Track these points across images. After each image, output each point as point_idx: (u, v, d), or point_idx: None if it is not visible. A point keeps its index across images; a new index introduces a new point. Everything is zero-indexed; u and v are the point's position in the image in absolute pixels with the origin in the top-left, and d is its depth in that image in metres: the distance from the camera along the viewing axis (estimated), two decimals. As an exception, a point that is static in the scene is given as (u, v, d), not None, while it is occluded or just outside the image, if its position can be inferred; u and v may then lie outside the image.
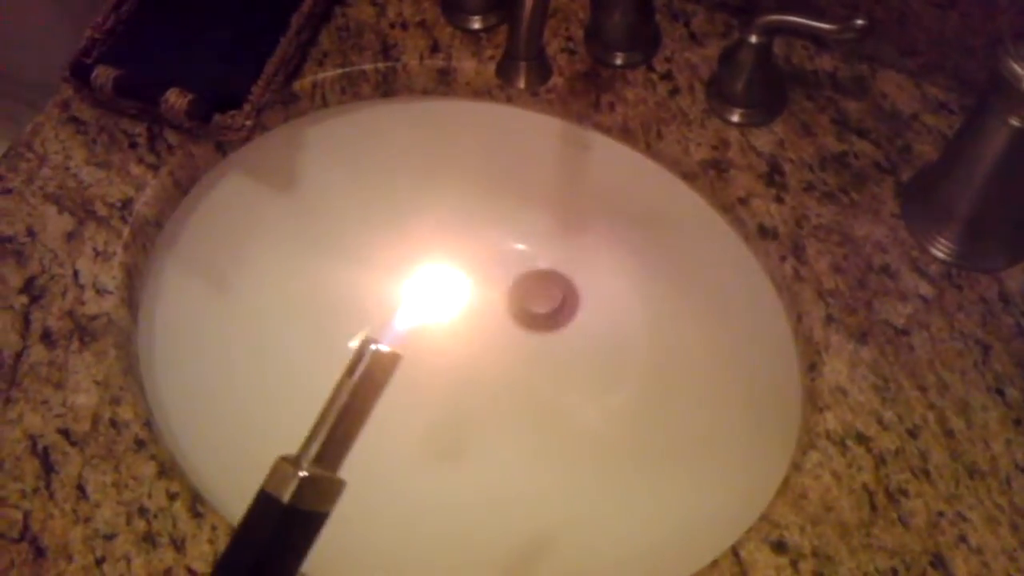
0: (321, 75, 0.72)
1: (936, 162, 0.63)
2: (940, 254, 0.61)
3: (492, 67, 0.70)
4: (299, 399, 0.71)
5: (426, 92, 0.73)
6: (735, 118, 0.67)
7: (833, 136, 0.66)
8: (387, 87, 0.73)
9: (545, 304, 0.78)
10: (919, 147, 0.65)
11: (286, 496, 0.36)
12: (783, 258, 0.62)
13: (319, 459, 0.36)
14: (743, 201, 0.65)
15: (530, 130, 0.73)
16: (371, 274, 0.76)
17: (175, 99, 0.66)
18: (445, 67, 0.72)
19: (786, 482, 0.56)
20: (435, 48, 0.72)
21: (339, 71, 0.72)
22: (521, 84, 0.57)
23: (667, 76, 0.70)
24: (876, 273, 0.61)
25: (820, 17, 0.61)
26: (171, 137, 0.69)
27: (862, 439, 0.56)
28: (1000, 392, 0.57)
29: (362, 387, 0.37)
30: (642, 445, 0.68)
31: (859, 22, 0.59)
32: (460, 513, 0.69)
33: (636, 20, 0.69)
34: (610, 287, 0.74)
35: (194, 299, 0.70)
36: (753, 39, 0.63)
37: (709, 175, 0.66)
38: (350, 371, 0.37)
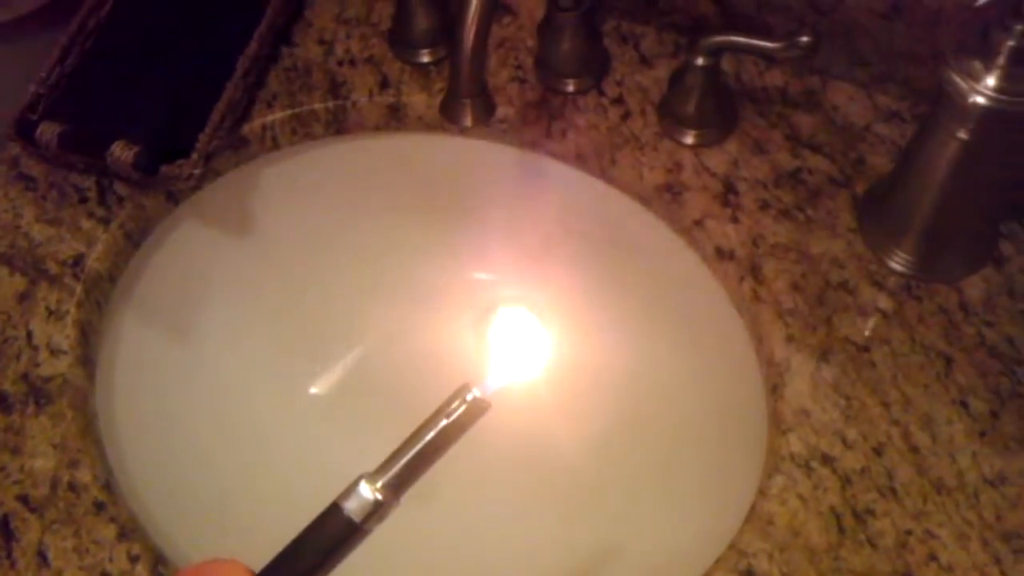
0: (270, 117, 0.71)
1: (889, 175, 0.62)
2: (898, 267, 0.61)
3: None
4: (264, 451, 0.71)
5: (378, 128, 0.73)
6: (688, 139, 0.67)
7: (787, 152, 0.66)
8: (339, 125, 0.72)
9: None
10: (873, 159, 0.65)
11: (357, 514, 0.38)
12: (741, 279, 0.62)
13: (391, 485, 0.38)
14: (699, 223, 0.64)
15: (485, 161, 0.72)
16: (334, 315, 0.76)
17: (120, 152, 0.65)
18: (396, 103, 0.71)
19: (753, 508, 0.55)
20: (385, 84, 0.72)
21: (289, 112, 0.71)
22: (467, 122, 0.56)
23: (618, 100, 0.69)
24: (835, 289, 0.61)
25: (765, 36, 0.60)
26: (121, 189, 0.68)
27: (827, 460, 0.56)
28: (964, 404, 0.57)
29: (451, 428, 0.38)
30: (610, 475, 0.68)
31: (804, 39, 0.58)
32: (427, 546, 0.68)
33: (585, 45, 0.68)
34: (574, 314, 0.74)
35: (153, 353, 0.69)
36: (700, 61, 0.63)
37: (664, 198, 0.65)
38: (447, 411, 0.39)
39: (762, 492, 0.55)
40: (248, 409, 0.71)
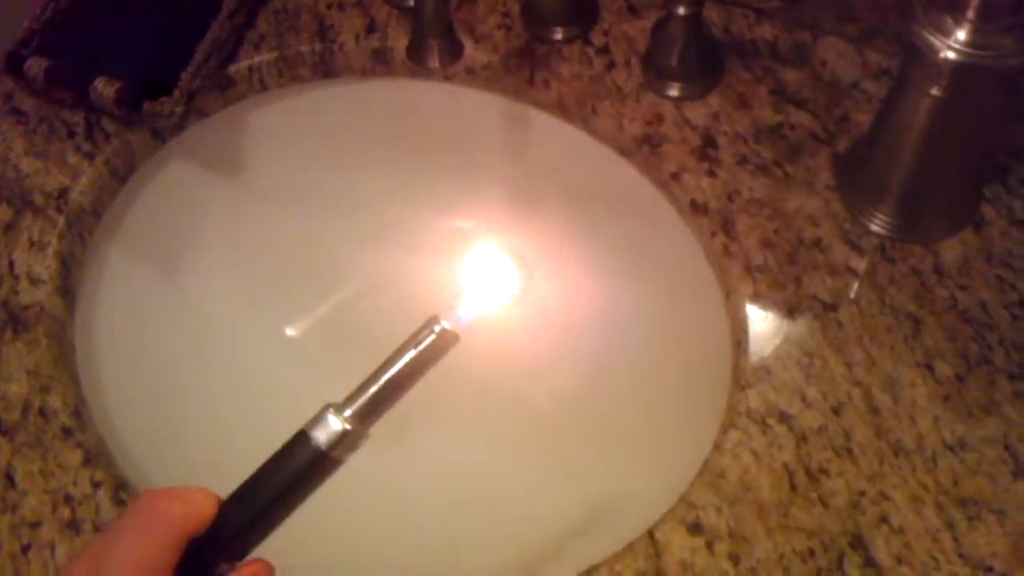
0: (257, 59, 0.71)
1: (867, 133, 0.61)
2: (874, 227, 0.60)
3: (428, 45, 0.70)
4: (238, 388, 0.72)
5: (364, 73, 0.73)
6: (672, 92, 0.66)
7: (770, 107, 0.65)
8: (325, 68, 0.72)
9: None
10: (857, 116, 0.64)
11: (324, 443, 0.38)
12: (713, 234, 0.61)
13: (360, 414, 0.38)
14: (675, 176, 0.63)
15: (469, 108, 0.72)
16: (318, 258, 0.76)
17: (103, 87, 0.66)
18: (382, 47, 0.71)
19: (706, 463, 0.55)
20: (371, 28, 0.71)
21: (276, 54, 0.71)
22: (433, 64, 0.56)
23: (604, 50, 0.68)
24: (807, 247, 0.60)
25: (745, -14, 0.59)
26: (108, 126, 0.69)
27: (784, 417, 0.55)
28: (930, 368, 0.55)
29: (419, 359, 0.39)
30: (572, 419, 0.68)
31: (782, -11, 0.57)
32: (392, 485, 0.69)
33: (571, -4, 0.68)
34: (555, 263, 0.73)
35: (135, 288, 0.70)
36: (681, 11, 0.62)
37: (643, 151, 0.65)
38: (415, 342, 0.39)
39: (717, 447, 0.55)
40: (226, 346, 0.72)
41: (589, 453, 0.66)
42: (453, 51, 0.56)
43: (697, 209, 0.62)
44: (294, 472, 0.39)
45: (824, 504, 0.53)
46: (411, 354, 0.39)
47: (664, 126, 0.65)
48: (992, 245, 0.59)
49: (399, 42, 0.71)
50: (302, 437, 0.38)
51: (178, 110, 0.67)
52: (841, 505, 0.52)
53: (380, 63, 0.72)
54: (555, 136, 0.69)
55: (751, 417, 0.55)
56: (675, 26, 0.63)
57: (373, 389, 0.39)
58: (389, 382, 0.39)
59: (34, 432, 0.59)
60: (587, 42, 0.69)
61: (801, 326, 0.57)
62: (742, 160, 0.63)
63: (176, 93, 0.66)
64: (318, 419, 0.38)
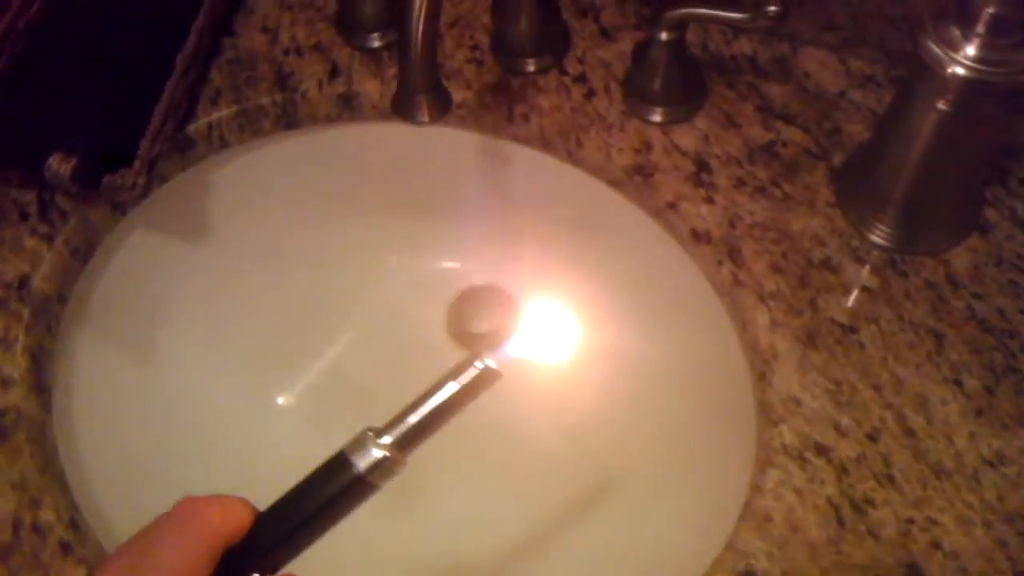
0: (216, 115, 0.67)
1: (867, 146, 0.60)
2: (880, 240, 0.59)
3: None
4: (238, 468, 0.68)
5: (331, 119, 0.69)
6: (656, 117, 0.64)
7: (759, 125, 0.63)
8: (288, 119, 0.69)
9: (486, 322, 0.75)
10: (849, 127, 0.63)
11: (363, 466, 0.38)
12: (719, 263, 0.60)
13: (398, 442, 0.38)
14: (672, 205, 0.62)
15: (445, 148, 0.69)
16: (300, 316, 0.73)
17: (58, 165, 0.61)
18: (347, 92, 0.67)
19: (748, 505, 0.53)
20: (334, 72, 0.68)
21: (235, 108, 0.67)
22: (423, 118, 0.53)
23: (581, 79, 0.66)
24: (817, 269, 0.59)
25: (730, 7, 0.57)
26: (64, 203, 0.65)
27: (821, 450, 0.54)
28: (958, 383, 0.55)
29: (461, 393, 0.38)
30: (593, 471, 0.66)
31: (772, 8, 0.55)
32: (417, 550, 0.66)
33: (543, 22, 0.65)
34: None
35: (112, 373, 0.66)
36: (664, 36, 0.60)
37: (635, 181, 0.63)
38: (456, 375, 0.39)
39: (757, 488, 0.54)
40: (216, 421, 0.68)
41: (617, 505, 0.64)
42: (442, 103, 0.53)
43: (699, 238, 0.61)
44: (331, 493, 0.38)
45: (874, 536, 0.52)
46: (452, 387, 0.38)
47: (654, 154, 0.63)
48: (1000, 250, 0.58)
49: (365, 85, 0.67)
50: (341, 459, 0.38)
51: (140, 181, 0.62)
52: (892, 535, 0.52)
53: (346, 109, 0.69)
54: (540, 171, 0.66)
55: (788, 453, 0.54)
56: (657, 51, 0.61)
57: (413, 419, 0.38)
58: (430, 414, 0.38)
59: (30, 552, 0.55)
60: (563, 71, 0.66)
61: (823, 352, 0.56)
62: (739, 183, 0.62)
63: (136, 163, 0.62)
64: (358, 443, 0.38)
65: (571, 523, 0.65)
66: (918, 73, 0.51)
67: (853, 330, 0.57)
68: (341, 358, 0.72)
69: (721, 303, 0.60)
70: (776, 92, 0.64)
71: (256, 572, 0.39)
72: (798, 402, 0.55)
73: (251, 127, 0.68)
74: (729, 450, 0.58)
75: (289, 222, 0.72)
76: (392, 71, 0.67)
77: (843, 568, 0.51)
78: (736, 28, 0.65)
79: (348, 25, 0.69)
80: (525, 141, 0.66)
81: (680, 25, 0.59)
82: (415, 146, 0.70)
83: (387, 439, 0.38)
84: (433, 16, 0.50)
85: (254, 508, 0.39)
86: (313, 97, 0.68)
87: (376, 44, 0.68)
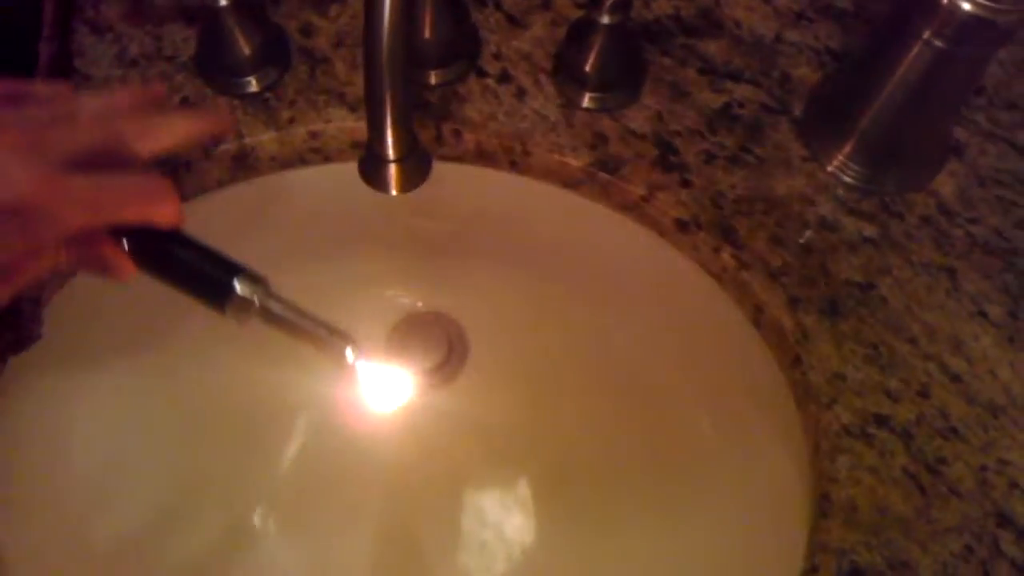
0: (89, 214, 0.55)
1: (835, 90, 0.57)
2: (868, 186, 0.56)
3: (297, 131, 0.57)
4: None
5: (222, 184, 0.59)
6: (602, 105, 0.58)
7: (708, 89, 0.59)
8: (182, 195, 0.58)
9: (430, 354, 0.68)
10: (797, 72, 0.59)
11: (240, 293, 0.41)
12: (716, 249, 0.56)
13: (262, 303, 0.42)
14: (648, 198, 0.57)
15: (358, 185, 0.61)
16: (252, 406, 0.63)
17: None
18: (241, 150, 0.57)
19: (827, 498, 0.51)
20: (217, 130, 0.57)
21: (110, 200, 0.56)
22: (405, 188, 0.45)
23: (505, 77, 0.59)
24: (816, 230, 0.56)
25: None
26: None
27: (881, 421, 0.52)
28: (983, 314, 0.54)
29: (309, 339, 0.42)
30: (645, 494, 0.62)
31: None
32: None
33: (449, 26, 0.57)
34: (516, 321, 0.65)
35: (62, 538, 0.55)
36: (605, 19, 0.53)
37: (599, 179, 0.57)
38: (325, 326, 0.42)
39: (831, 478, 0.51)
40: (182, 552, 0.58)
41: (680, 523, 0.60)
42: (421, 167, 0.45)
43: (686, 226, 0.56)
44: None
45: (957, 494, 0.50)
46: (313, 327, 0.42)
47: (611, 145, 0.57)
48: (978, 167, 0.58)
49: (259, 136, 0.57)
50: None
51: (40, 328, 0.51)
52: (972, 488, 0.51)
53: (241, 169, 0.58)
54: (486, 187, 0.59)
55: (851, 434, 0.52)
56: (600, 36, 0.55)
57: (280, 308, 0.42)
58: (289, 320, 0.42)
59: None
60: (482, 73, 0.59)
61: (851, 317, 0.54)
62: (708, 157, 0.57)
63: (32, 315, 0.50)
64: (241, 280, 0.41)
65: (638, 547, 0.61)
66: (916, 7, 0.48)
67: (871, 286, 0.55)
68: (305, 450, 0.64)
69: (725, 290, 0.57)
70: (713, 49, 0.60)
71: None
72: (843, 377, 0.53)
73: (134, 215, 0.57)
74: (776, 443, 0.56)
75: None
76: (286, 114, 0.57)
77: (939, 536, 0.50)
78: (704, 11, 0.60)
79: (216, 71, 0.58)
80: (461, 159, 0.59)
81: (624, 5, 0.53)
82: (333, 186, 0.61)
83: (256, 293, 0.41)
84: (402, 62, 0.41)
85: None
86: (199, 166, 0.57)
87: (255, 88, 0.58)
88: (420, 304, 0.67)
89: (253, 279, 0.42)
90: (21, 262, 0.37)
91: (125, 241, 0.40)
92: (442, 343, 0.69)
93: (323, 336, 0.42)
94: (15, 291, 0.37)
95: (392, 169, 0.44)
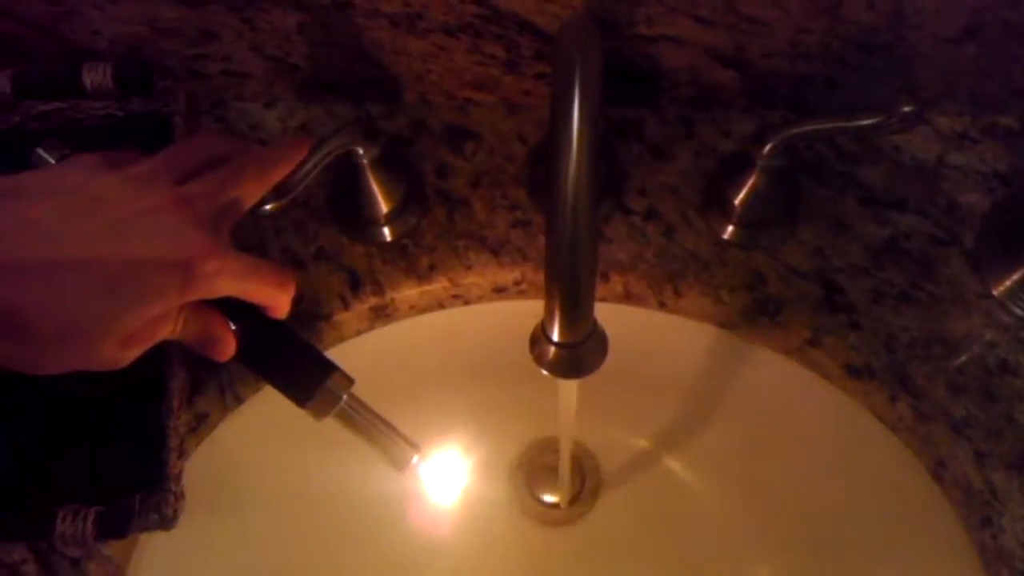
0: (224, 372, 0.53)
1: (1009, 217, 0.53)
2: (1051, 323, 0.53)
3: (438, 280, 0.55)
4: None
5: (360, 332, 0.56)
6: (759, 242, 0.55)
7: (871, 220, 0.55)
8: (321, 346, 0.55)
9: (559, 488, 0.65)
10: (964, 198, 0.56)
11: (332, 391, 0.45)
12: (892, 397, 0.52)
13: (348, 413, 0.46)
14: (812, 342, 0.53)
15: (497, 324, 0.58)
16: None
17: (70, 523, 0.46)
18: (381, 303, 0.55)
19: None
20: (355, 282, 0.55)
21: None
22: (583, 373, 0.42)
23: (652, 214, 0.56)
24: (998, 375, 0.52)
25: (852, 114, 0.48)
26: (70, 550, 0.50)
27: (1087, 588, 0.48)
28: None
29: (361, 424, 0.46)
30: None
31: (906, 108, 0.47)
32: None
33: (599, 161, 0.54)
34: (656, 461, 0.62)
35: None
36: (774, 163, 0.50)
37: (760, 322, 0.54)
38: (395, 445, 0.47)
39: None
40: None
41: None
42: (600, 349, 0.42)
43: (858, 373, 0.52)
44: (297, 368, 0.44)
45: None
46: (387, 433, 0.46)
47: (770, 284, 0.54)
48: None
49: (399, 288, 0.55)
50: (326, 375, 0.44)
51: (180, 507, 0.48)
52: None
53: (381, 318, 0.56)
54: (633, 325, 0.56)
55: (1057, 607, 0.47)
56: (759, 177, 0.51)
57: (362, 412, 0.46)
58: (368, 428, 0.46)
59: None
60: (627, 211, 0.56)
61: (1045, 475, 0.50)
62: (876, 296, 0.54)
63: (171, 496, 0.48)
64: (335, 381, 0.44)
65: None
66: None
67: (1065, 439, 0.51)
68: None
69: (900, 441, 0.53)
70: (872, 176, 0.56)
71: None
72: (1040, 544, 0.49)
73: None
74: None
75: (334, 465, 0.59)
76: (425, 261, 0.55)
77: None
78: (861, 136, 0.56)
79: (351, 219, 0.56)
80: (604, 300, 0.56)
81: (792, 145, 0.50)
82: (469, 326, 0.58)
83: (344, 391, 0.44)
84: (592, 233, 0.38)
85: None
86: (341, 319, 0.55)
87: (388, 238, 0.55)
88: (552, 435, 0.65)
89: (346, 378, 0.45)
90: (156, 323, 0.39)
91: (231, 322, 0.43)
92: (574, 477, 0.66)
93: (393, 442, 0.46)
94: (143, 351, 0.39)
95: (566, 354, 0.41)
